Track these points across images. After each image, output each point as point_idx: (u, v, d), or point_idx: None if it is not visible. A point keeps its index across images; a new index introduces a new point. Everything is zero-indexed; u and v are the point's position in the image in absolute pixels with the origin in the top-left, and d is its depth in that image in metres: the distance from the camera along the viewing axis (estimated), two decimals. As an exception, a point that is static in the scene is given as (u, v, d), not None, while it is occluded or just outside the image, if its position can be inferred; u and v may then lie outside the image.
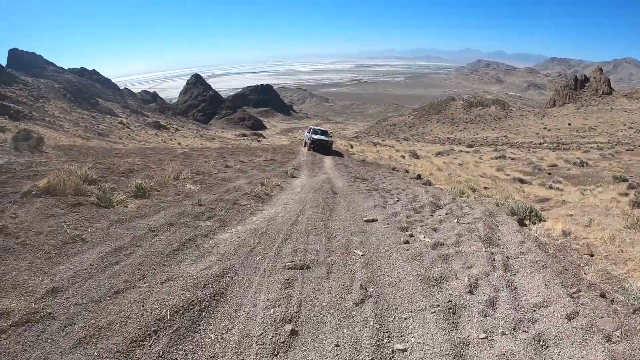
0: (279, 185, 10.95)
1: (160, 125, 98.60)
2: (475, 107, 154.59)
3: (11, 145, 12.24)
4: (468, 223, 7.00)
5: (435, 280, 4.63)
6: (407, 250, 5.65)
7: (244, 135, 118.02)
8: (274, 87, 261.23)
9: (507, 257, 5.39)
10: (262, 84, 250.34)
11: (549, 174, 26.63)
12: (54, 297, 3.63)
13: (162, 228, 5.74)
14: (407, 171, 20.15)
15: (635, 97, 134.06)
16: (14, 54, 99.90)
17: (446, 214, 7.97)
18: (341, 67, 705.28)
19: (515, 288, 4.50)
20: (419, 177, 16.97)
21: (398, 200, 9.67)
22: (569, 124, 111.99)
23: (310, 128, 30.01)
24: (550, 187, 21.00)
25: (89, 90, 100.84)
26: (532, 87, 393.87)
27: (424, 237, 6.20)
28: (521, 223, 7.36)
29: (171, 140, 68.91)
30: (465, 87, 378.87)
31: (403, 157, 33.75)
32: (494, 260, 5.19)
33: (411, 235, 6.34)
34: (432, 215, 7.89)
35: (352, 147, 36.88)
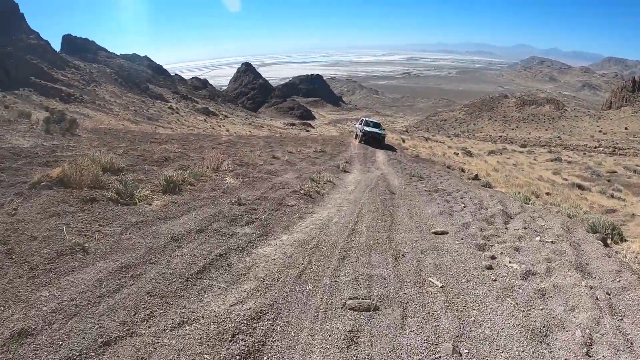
0: (330, 182, 9.67)
1: (209, 111, 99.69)
2: (528, 106, 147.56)
3: (42, 128, 11.57)
4: (552, 242, 5.89)
5: (540, 332, 3.42)
6: (494, 280, 4.46)
7: (293, 124, 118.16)
8: (324, 78, 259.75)
9: (608, 293, 4.29)
10: (312, 74, 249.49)
11: (608, 181, 24.57)
12: (17, 346, 2.45)
13: (189, 236, 4.60)
14: (463, 170, 18.61)
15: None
16: (67, 39, 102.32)
17: (524, 228, 6.73)
18: (391, 60, 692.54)
19: (631, 344, 3.36)
20: (476, 177, 15.61)
21: (465, 207, 8.50)
22: (626, 128, 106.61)
23: (362, 119, 28.46)
24: (612, 196, 19.04)
25: (139, 75, 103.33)
26: (586, 87, 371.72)
27: (510, 262, 5.01)
28: (604, 242, 6.37)
29: (219, 126, 69.51)
30: (518, 85, 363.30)
31: (456, 154, 31.93)
32: (597, 299, 4.06)
33: (493, 257, 5.18)
34: (506, 229, 6.77)
35: (404, 141, 35.00)
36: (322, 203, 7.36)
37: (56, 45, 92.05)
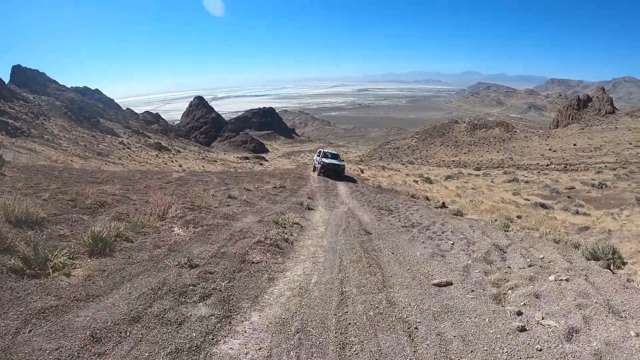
0: (297, 224, 8.59)
1: (162, 146, 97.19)
2: (478, 130, 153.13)
3: (-39, 167, 9.82)
4: (566, 279, 5.26)
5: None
6: (539, 350, 3.51)
7: (247, 158, 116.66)
8: (276, 110, 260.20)
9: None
10: (264, 107, 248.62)
11: (569, 197, 24.95)
12: None
13: (117, 331, 3.22)
14: (427, 198, 18.28)
15: (638, 116, 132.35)
16: (17, 70, 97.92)
17: (529, 266, 6.05)
18: (342, 91, 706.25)
19: None
20: (443, 205, 15.27)
21: (453, 244, 7.77)
22: (574, 145, 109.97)
23: (321, 151, 27.62)
24: (577, 212, 19.10)
25: (90, 109, 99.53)
26: (532, 109, 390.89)
27: (542, 318, 4.15)
28: (609, 269, 6.06)
29: (172, 161, 67.45)
30: (467, 110, 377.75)
31: (416, 182, 31.69)
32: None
33: (519, 313, 4.30)
34: (509, 268, 6.13)
35: (362, 171, 34.57)
36: (294, 254, 6.21)
37: (5, 76, 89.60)
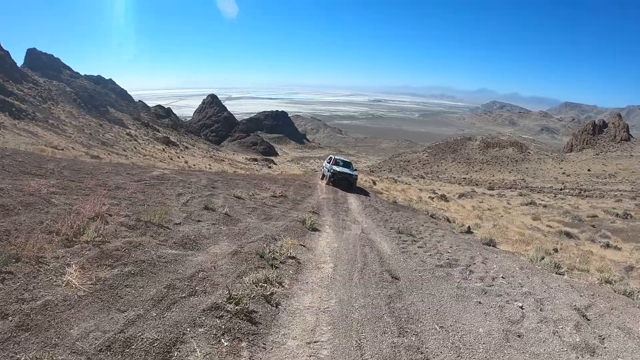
0: (293, 258, 5.93)
1: (170, 141, 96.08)
2: (492, 148, 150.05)
3: None
4: None
5: None
6: None
7: (255, 159, 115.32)
8: (289, 115, 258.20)
9: None
10: (277, 110, 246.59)
11: (593, 226, 22.66)
12: None
13: None
14: (448, 220, 15.83)
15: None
16: (32, 53, 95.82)
17: None
18: (356, 100, 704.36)
19: None
20: (469, 230, 13.27)
21: (523, 310, 5.42)
22: (589, 170, 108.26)
23: (331, 158, 24.49)
24: (607, 246, 16.64)
25: (101, 98, 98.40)
26: (545, 131, 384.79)
27: None
28: None
29: (178, 157, 66.69)
30: (479, 128, 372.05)
31: (431, 198, 29.14)
32: None
33: None
34: None
35: (374, 183, 31.73)
36: (275, 340, 3.47)
37: (19, 59, 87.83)
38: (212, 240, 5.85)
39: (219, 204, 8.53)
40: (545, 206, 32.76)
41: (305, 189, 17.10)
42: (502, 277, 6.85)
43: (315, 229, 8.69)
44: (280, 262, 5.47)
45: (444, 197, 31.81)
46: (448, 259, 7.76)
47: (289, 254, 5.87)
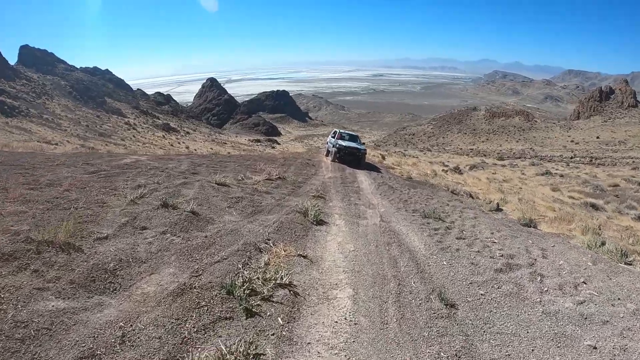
0: (286, 286, 3.73)
1: (170, 127, 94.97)
2: (497, 118, 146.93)
3: None
4: None
5: None
6: None
7: (258, 140, 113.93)
8: (290, 94, 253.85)
9: None
10: (278, 90, 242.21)
11: (616, 196, 21.43)
12: None
13: None
14: (471, 195, 14.08)
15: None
16: (25, 50, 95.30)
17: None
18: (357, 76, 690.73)
19: None
20: (498, 208, 11.62)
21: None
22: (597, 137, 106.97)
23: (336, 132, 21.97)
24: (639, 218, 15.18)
25: (97, 89, 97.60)
26: (549, 100, 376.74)
27: None
28: None
29: (179, 143, 65.62)
30: (482, 98, 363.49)
31: (445, 171, 26.92)
32: None
33: None
34: None
35: (384, 158, 29.40)
36: None
37: (13, 56, 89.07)
38: (151, 265, 3.77)
39: (188, 196, 6.44)
40: (561, 176, 31.30)
41: (308, 168, 14.91)
42: (583, 282, 5.10)
43: (321, 222, 6.61)
44: (263, 298, 3.36)
45: (457, 170, 29.73)
46: (501, 255, 5.94)
47: (279, 279, 3.72)
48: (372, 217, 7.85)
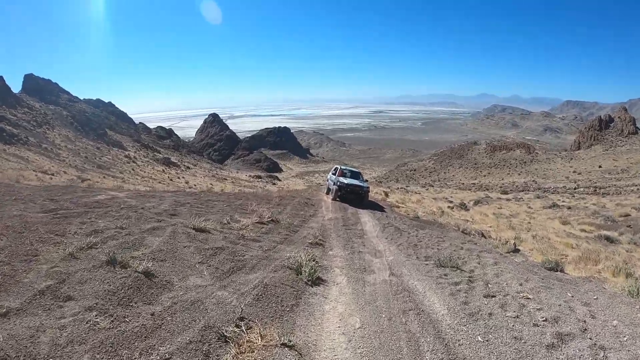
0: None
1: (171, 162, 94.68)
2: (498, 151, 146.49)
3: None
4: None
5: None
6: None
7: (259, 177, 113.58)
8: (292, 130, 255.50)
9: None
10: (280, 127, 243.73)
11: (629, 226, 20.15)
12: None
13: None
14: (483, 235, 12.99)
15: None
16: (29, 78, 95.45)
17: None
18: (358, 112, 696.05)
19: None
20: (516, 249, 10.50)
21: None
22: (600, 166, 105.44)
23: (337, 168, 20.85)
24: None
25: (99, 121, 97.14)
26: (548, 131, 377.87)
27: None
28: None
29: (178, 178, 65.12)
30: (482, 133, 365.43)
31: (451, 208, 25.68)
32: None
33: None
34: None
35: (387, 195, 28.11)
36: None
37: (18, 84, 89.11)
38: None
39: (151, 248, 5.13)
40: (569, 207, 30.02)
41: (307, 208, 13.59)
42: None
43: (317, 281, 5.30)
44: None
45: (463, 206, 28.41)
46: (544, 318, 4.63)
47: None
48: (379, 269, 6.54)
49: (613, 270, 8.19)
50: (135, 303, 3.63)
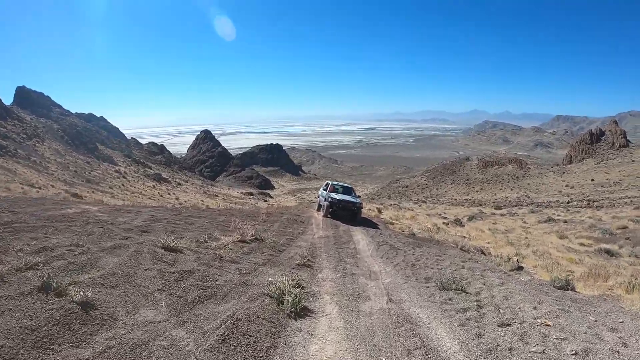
0: None
1: (162, 177, 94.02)
2: (490, 167, 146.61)
3: None
4: None
5: None
6: None
7: (250, 193, 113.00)
8: (284, 148, 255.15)
9: None
10: (272, 143, 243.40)
11: (628, 239, 19.75)
12: None
13: None
14: (483, 252, 12.46)
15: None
16: (21, 91, 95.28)
17: None
18: (350, 130, 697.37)
19: None
20: (520, 267, 9.98)
21: None
22: (592, 180, 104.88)
23: (329, 184, 20.08)
24: None
25: (90, 135, 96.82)
26: (539, 146, 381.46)
27: None
28: None
29: (169, 194, 64.94)
30: (473, 149, 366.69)
31: (446, 224, 24.94)
32: None
33: None
34: None
35: (380, 211, 27.29)
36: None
37: (10, 97, 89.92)
38: None
39: (103, 270, 4.27)
40: (565, 221, 29.42)
41: (296, 225, 12.73)
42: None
43: (303, 312, 4.43)
44: None
45: (458, 222, 27.75)
46: (574, 352, 3.86)
47: None
48: (376, 295, 5.73)
49: (626, 287, 7.70)
50: (59, 345, 2.76)
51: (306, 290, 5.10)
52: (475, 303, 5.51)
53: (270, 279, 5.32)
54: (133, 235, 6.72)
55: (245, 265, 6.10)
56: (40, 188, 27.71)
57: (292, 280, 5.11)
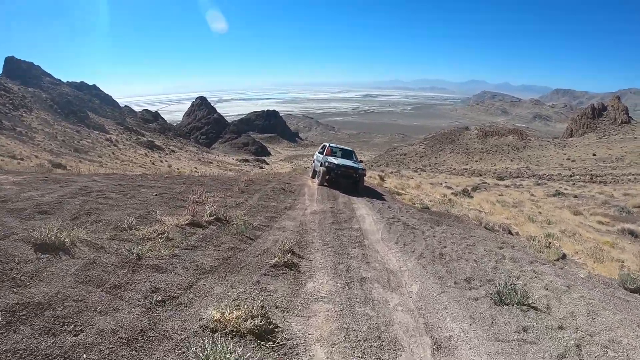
0: None
1: (154, 145, 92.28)
2: (490, 137, 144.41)
3: None
4: None
5: None
6: None
7: (246, 160, 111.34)
8: (281, 114, 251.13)
9: None
10: (269, 110, 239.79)
11: None
12: None
13: None
14: (510, 231, 10.43)
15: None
16: (10, 61, 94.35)
17: None
18: (347, 97, 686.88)
19: None
20: (563, 256, 8.17)
21: None
22: (594, 155, 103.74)
23: (326, 146, 16.86)
24: None
25: (81, 104, 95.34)
26: (538, 119, 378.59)
27: None
28: None
29: (161, 161, 63.99)
30: (471, 119, 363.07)
31: (454, 194, 22.78)
32: None
33: None
34: None
35: (382, 179, 24.63)
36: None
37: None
38: None
39: None
40: (575, 196, 28.04)
41: (282, 197, 10.04)
42: None
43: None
44: None
45: (466, 193, 25.49)
46: None
47: None
48: (409, 333, 3.25)
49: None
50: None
51: (278, 341, 2.58)
52: (563, 335, 3.31)
53: (209, 312, 2.76)
54: (12, 221, 4.14)
55: (177, 274, 3.50)
56: (22, 159, 26.76)
57: (252, 317, 2.54)
